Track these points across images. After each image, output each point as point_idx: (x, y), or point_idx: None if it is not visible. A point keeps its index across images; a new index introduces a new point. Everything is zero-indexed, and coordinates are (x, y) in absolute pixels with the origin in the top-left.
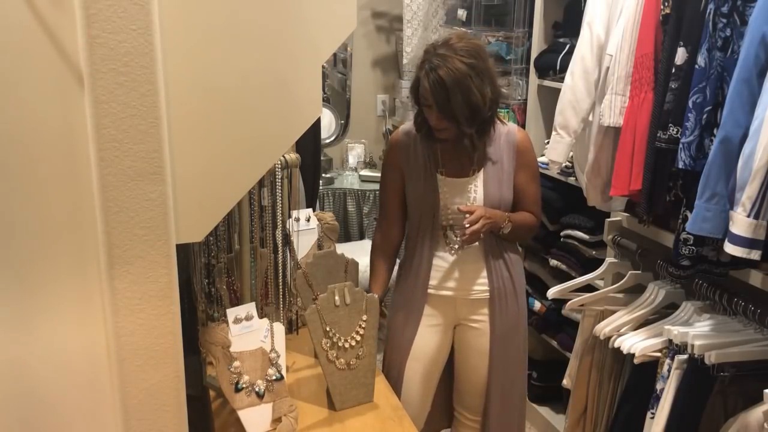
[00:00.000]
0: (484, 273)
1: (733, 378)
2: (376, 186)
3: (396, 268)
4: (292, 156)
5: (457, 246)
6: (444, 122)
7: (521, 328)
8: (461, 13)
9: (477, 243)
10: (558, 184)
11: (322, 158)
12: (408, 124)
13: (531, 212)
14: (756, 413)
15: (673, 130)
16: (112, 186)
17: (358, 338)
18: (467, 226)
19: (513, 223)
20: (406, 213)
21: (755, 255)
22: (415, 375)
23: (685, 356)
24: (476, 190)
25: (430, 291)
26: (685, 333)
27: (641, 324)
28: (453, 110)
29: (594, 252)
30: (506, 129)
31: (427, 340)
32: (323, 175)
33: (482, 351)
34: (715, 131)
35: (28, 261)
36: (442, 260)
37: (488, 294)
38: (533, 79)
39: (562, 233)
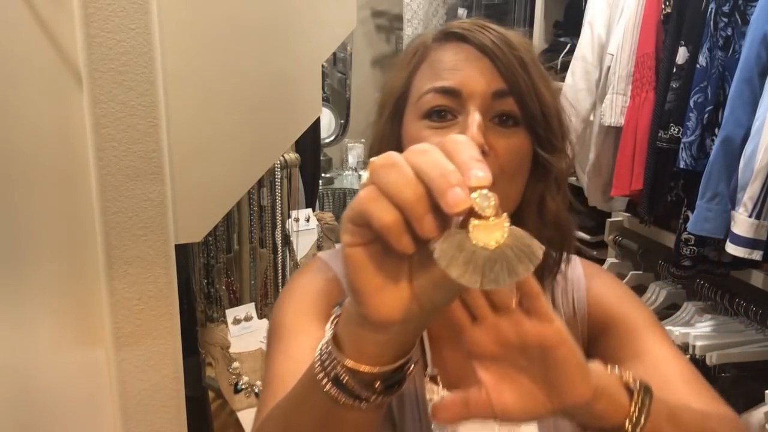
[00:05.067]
0: None
1: (734, 379)
2: None
3: None
4: (292, 156)
5: None
6: (499, 132)
7: None
8: (461, 12)
9: None
10: None
11: (321, 158)
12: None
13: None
14: (757, 414)
15: (674, 130)
16: (111, 186)
17: None
18: None
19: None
20: None
21: (757, 255)
22: None
23: (686, 357)
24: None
25: None
26: (687, 334)
27: None
28: (534, 88)
29: (595, 252)
30: (563, 277)
31: None
32: (323, 174)
33: None
34: (716, 131)
35: (26, 261)
36: None
37: None
38: None
39: None
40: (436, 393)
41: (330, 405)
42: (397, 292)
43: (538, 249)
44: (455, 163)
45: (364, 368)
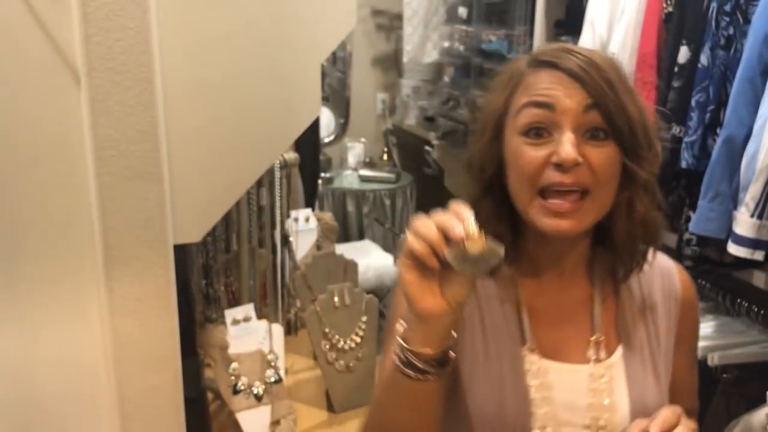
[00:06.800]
0: None
1: (736, 380)
2: (376, 186)
3: None
4: (291, 155)
5: None
6: (592, 145)
7: None
8: (462, 11)
9: None
10: None
11: (321, 158)
12: None
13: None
14: (759, 415)
15: (676, 130)
16: (109, 186)
17: (358, 340)
18: None
19: None
20: None
21: (759, 255)
22: None
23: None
24: (612, 392)
25: None
26: None
27: None
28: (620, 105)
29: None
30: (659, 267)
31: None
32: (322, 174)
33: None
34: (718, 130)
35: (24, 262)
36: None
37: None
38: None
39: None
40: (534, 363)
41: (404, 381)
42: (433, 295)
43: (500, 250)
44: (450, 216)
45: (420, 350)
